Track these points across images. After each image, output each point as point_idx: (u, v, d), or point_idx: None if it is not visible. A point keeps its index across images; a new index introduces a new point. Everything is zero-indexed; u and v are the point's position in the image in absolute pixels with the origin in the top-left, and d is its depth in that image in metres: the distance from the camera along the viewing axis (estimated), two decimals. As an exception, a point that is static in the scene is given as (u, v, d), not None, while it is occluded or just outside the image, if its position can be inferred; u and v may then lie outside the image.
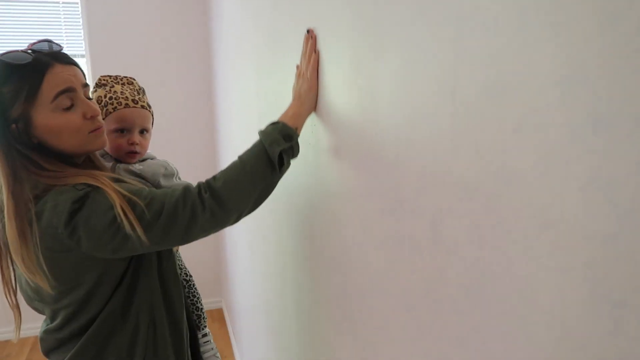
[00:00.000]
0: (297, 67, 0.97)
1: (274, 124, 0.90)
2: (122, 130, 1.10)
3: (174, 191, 0.87)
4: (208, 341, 1.34)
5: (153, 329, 1.01)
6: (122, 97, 1.11)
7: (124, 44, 2.84)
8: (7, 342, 2.86)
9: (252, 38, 1.51)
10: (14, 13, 2.76)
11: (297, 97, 0.93)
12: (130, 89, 1.14)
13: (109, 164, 1.11)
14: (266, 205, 1.38)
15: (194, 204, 0.85)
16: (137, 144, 1.11)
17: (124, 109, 1.10)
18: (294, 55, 1.01)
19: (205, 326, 1.35)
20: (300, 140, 0.92)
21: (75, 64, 0.94)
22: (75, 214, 0.84)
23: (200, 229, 0.87)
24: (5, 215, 0.85)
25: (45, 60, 0.88)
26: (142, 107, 1.13)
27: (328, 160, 0.89)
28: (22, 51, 0.88)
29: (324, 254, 0.95)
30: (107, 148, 1.14)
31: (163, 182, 1.11)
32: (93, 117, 0.93)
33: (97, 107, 0.94)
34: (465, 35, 0.47)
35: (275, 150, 0.86)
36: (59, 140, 0.91)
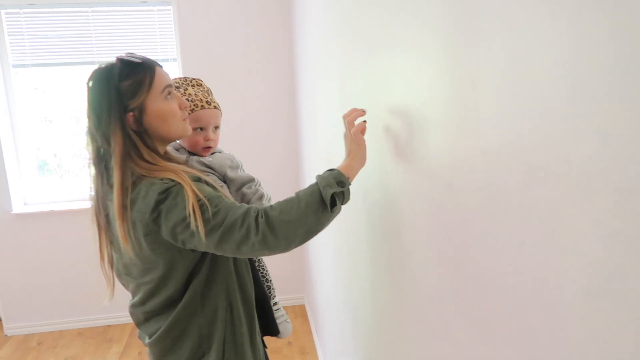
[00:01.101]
0: (344, 118, 1.08)
1: (330, 170, 1.02)
2: (199, 128, 1.27)
3: (239, 208, 0.99)
4: (279, 309, 1.45)
5: (230, 311, 1.15)
6: (197, 99, 1.27)
7: (211, 48, 2.96)
8: (109, 326, 3.10)
9: (337, 38, 1.50)
10: (113, 21, 2.97)
11: (349, 153, 1.06)
12: (202, 91, 1.30)
13: (183, 157, 1.29)
14: (352, 202, 1.37)
15: (249, 226, 0.96)
16: (211, 140, 1.29)
17: (201, 110, 1.27)
18: (382, 54, 0.98)
19: (274, 295, 1.45)
20: (382, 140, 0.89)
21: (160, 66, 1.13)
22: (160, 203, 0.99)
23: (250, 248, 0.98)
24: (114, 193, 1.02)
25: (150, 61, 1.09)
26: (215, 107, 1.30)
27: (414, 155, 0.85)
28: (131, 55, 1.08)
29: (416, 253, 0.91)
30: (183, 143, 1.32)
31: (229, 173, 1.28)
32: (185, 108, 1.13)
33: (179, 107, 1.12)
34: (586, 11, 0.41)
35: (328, 192, 0.96)
36: (165, 124, 1.09)
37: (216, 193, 1.03)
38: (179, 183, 1.01)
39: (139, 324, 1.21)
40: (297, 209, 0.97)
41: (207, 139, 1.29)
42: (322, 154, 2.02)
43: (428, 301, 0.86)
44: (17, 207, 3.05)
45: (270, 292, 1.45)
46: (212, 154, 1.33)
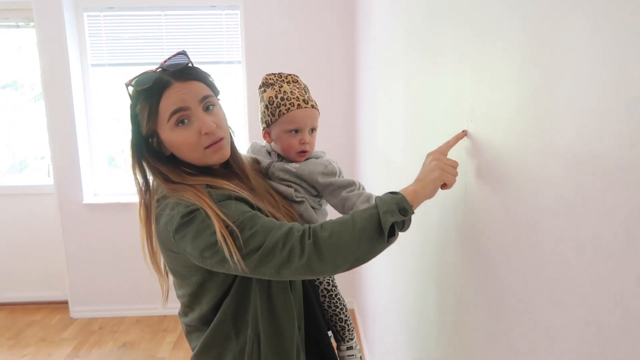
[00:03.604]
0: (429, 155, 0.94)
1: (393, 193, 0.90)
2: (294, 130, 1.12)
3: (279, 228, 0.88)
4: (353, 355, 1.26)
5: (257, 343, 1.02)
6: (294, 98, 1.12)
7: (274, 51, 3.03)
8: (165, 317, 3.24)
9: (404, 46, 1.50)
10: (183, 24, 3.11)
11: (422, 178, 0.91)
12: (298, 88, 1.15)
13: (266, 161, 1.16)
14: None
15: (293, 247, 0.86)
16: (307, 143, 1.13)
17: (297, 110, 1.11)
18: (450, 61, 0.97)
19: (351, 338, 1.26)
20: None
21: (199, 79, 0.99)
22: (185, 227, 0.91)
23: (293, 272, 0.87)
24: (139, 212, 1.01)
25: (164, 80, 0.95)
26: (312, 106, 1.14)
27: (482, 156, 0.83)
28: (152, 71, 0.97)
29: (476, 256, 0.89)
30: (276, 147, 1.18)
31: (321, 179, 1.10)
32: (207, 133, 0.96)
33: (213, 121, 0.97)
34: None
35: (389, 220, 0.85)
36: (182, 154, 1.00)
37: (250, 213, 0.92)
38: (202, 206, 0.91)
39: (185, 334, 1.15)
40: (351, 234, 0.86)
41: (302, 142, 1.13)
42: (380, 158, 2.02)
43: (493, 308, 0.83)
44: (88, 198, 3.24)
45: (344, 334, 1.25)
46: (307, 159, 1.16)
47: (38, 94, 3.42)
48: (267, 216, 0.97)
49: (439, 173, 0.90)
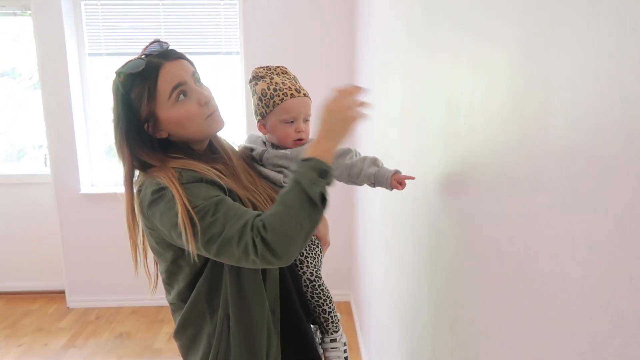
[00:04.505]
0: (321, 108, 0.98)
1: (305, 160, 0.92)
2: (291, 120, 1.14)
3: (238, 220, 0.90)
4: (335, 348, 1.25)
5: (227, 324, 1.03)
6: (286, 88, 1.14)
7: (273, 43, 3.01)
8: (161, 307, 3.24)
9: (402, 36, 1.49)
10: (181, 14, 3.09)
11: (323, 130, 0.96)
12: (289, 79, 1.17)
13: (262, 149, 1.18)
14: (406, 200, 1.35)
15: (247, 245, 0.88)
16: (303, 131, 1.16)
17: (290, 100, 1.13)
18: (447, 57, 0.97)
19: (335, 331, 1.24)
20: (448, 132, 0.87)
21: (183, 57, 1.03)
22: (155, 204, 0.95)
23: (252, 265, 0.92)
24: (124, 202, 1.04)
25: (156, 62, 0.98)
26: (305, 95, 1.17)
27: (478, 151, 0.83)
28: (137, 58, 1.00)
29: (471, 252, 0.89)
30: (271, 138, 1.19)
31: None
32: (206, 103, 1.01)
33: (207, 93, 1.03)
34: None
35: (316, 191, 0.88)
36: (184, 130, 1.02)
37: (217, 198, 0.94)
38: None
39: (172, 314, 1.16)
40: (289, 220, 0.88)
41: (298, 131, 1.15)
42: (378, 153, 2.01)
43: (486, 303, 0.84)
44: (85, 188, 3.23)
45: (327, 326, 1.22)
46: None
47: (36, 83, 3.40)
48: (242, 202, 1.01)
49: (334, 116, 0.95)
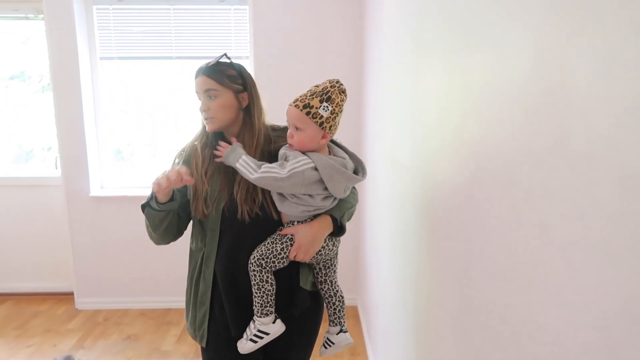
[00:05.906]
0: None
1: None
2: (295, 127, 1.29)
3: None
4: (258, 333, 1.33)
5: (192, 274, 1.45)
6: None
7: (282, 47, 3.02)
8: (169, 310, 3.25)
9: (413, 40, 1.49)
10: (191, 18, 3.11)
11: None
12: (308, 90, 1.31)
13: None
14: (415, 205, 1.35)
15: None
16: (290, 137, 1.30)
17: (287, 108, 1.30)
18: (460, 61, 0.97)
19: (265, 314, 1.32)
20: (447, 132, 0.87)
21: (205, 74, 1.36)
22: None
23: None
24: None
25: (198, 71, 1.37)
26: (294, 105, 1.28)
27: (491, 155, 0.83)
28: (215, 59, 1.39)
29: (483, 257, 0.89)
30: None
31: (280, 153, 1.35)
32: (204, 112, 1.37)
33: (208, 105, 1.35)
34: None
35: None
36: None
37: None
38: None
39: None
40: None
41: (289, 136, 1.32)
42: (387, 158, 2.01)
43: (497, 308, 0.83)
44: (95, 190, 3.25)
45: (254, 306, 1.33)
46: (306, 152, 1.31)
47: (45, 85, 3.43)
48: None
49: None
